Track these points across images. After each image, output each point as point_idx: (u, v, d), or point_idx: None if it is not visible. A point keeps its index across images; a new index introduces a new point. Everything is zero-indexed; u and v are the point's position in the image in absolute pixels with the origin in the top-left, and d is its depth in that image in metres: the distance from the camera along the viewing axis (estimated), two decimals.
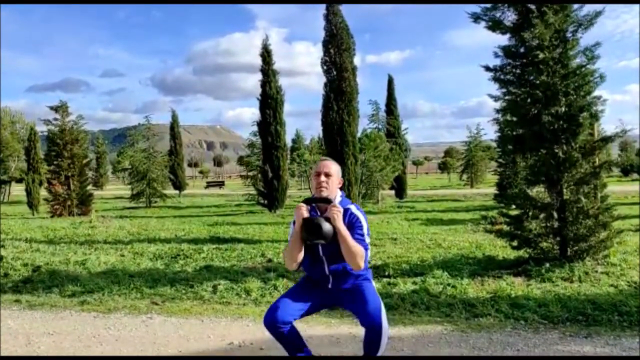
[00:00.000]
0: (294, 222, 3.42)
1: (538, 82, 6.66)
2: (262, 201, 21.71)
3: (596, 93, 6.76)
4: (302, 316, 3.48)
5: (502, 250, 8.76)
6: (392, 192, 27.95)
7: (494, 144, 48.22)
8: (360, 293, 3.38)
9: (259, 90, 21.33)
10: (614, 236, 6.96)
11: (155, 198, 28.16)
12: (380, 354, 3.38)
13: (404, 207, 22.03)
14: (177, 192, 36.96)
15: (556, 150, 6.66)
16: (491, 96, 7.40)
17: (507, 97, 7.36)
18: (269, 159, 20.78)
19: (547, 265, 6.84)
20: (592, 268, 6.73)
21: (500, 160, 21.51)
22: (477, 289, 6.24)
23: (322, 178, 3.37)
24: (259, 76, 21.19)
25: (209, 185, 54.50)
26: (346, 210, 3.34)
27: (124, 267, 7.78)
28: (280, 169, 20.79)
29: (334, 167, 3.43)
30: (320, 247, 3.36)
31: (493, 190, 26.16)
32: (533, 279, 6.56)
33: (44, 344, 4.46)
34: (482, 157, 40.42)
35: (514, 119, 7.27)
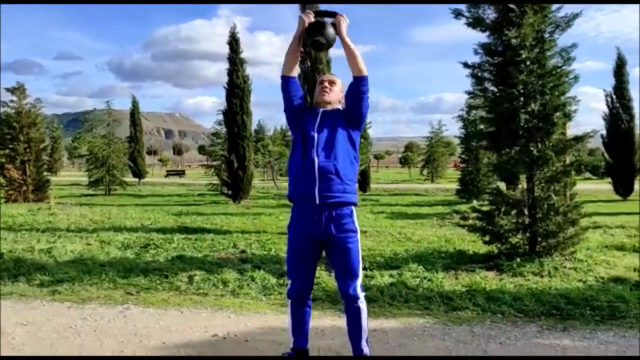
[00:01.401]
0: None
1: (516, 80, 6.79)
2: (226, 191, 21.45)
3: (570, 94, 6.96)
4: (313, 275, 3.55)
5: (471, 244, 8.94)
6: (356, 185, 28.07)
7: (454, 140, 48.95)
8: (346, 249, 3.35)
9: (222, 78, 21.07)
10: (582, 233, 7.19)
11: (114, 186, 27.47)
12: (365, 337, 3.42)
13: (368, 200, 22.19)
14: (136, 180, 36.18)
15: (531, 148, 6.81)
16: (468, 93, 7.51)
17: (482, 95, 7.48)
18: (234, 149, 20.54)
19: (518, 260, 7.00)
20: (561, 263, 6.94)
21: (463, 156, 21.93)
22: (453, 283, 6.34)
23: (326, 84, 3.49)
24: (220, 65, 21.32)
25: (169, 174, 53.58)
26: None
27: (92, 256, 7.56)
28: (245, 159, 20.59)
29: (337, 80, 3.57)
30: (316, 135, 3.32)
31: (453, 185, 26.64)
32: (505, 274, 6.71)
33: (18, 335, 4.29)
34: (443, 153, 41.14)
35: (490, 115, 7.39)
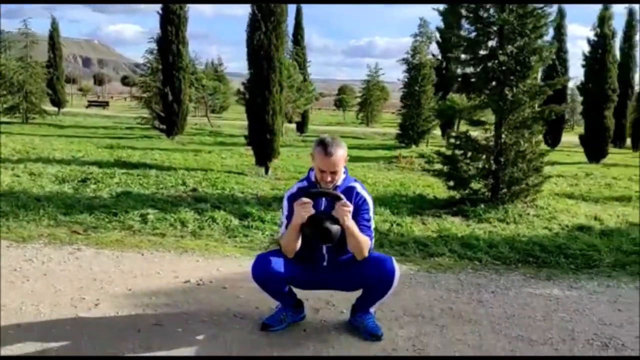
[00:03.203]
0: (287, 216, 3.00)
1: (495, 19, 6.47)
2: (159, 126, 20.30)
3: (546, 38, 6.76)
4: (288, 279, 3.07)
5: (427, 189, 8.83)
6: (293, 125, 27.53)
7: (388, 85, 48.73)
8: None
9: (148, 6, 19.44)
10: (545, 181, 7.19)
11: (33, 114, 25.34)
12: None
13: (307, 141, 21.79)
14: (55, 109, 33.63)
15: (506, 92, 6.60)
16: (439, 30, 7.14)
17: (457, 34, 7.14)
18: (169, 81, 19.25)
19: (482, 206, 6.92)
20: (524, 210, 6.93)
21: (405, 101, 21.78)
22: (422, 228, 6.16)
23: (328, 178, 2.93)
24: None
25: (91, 104, 50.47)
26: (351, 190, 3.00)
27: (24, 189, 6.76)
28: (181, 92, 19.39)
29: (340, 158, 2.91)
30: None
31: (390, 130, 26.75)
32: (471, 220, 6.61)
33: None
34: (379, 97, 41.05)
35: (463, 56, 7.08)
